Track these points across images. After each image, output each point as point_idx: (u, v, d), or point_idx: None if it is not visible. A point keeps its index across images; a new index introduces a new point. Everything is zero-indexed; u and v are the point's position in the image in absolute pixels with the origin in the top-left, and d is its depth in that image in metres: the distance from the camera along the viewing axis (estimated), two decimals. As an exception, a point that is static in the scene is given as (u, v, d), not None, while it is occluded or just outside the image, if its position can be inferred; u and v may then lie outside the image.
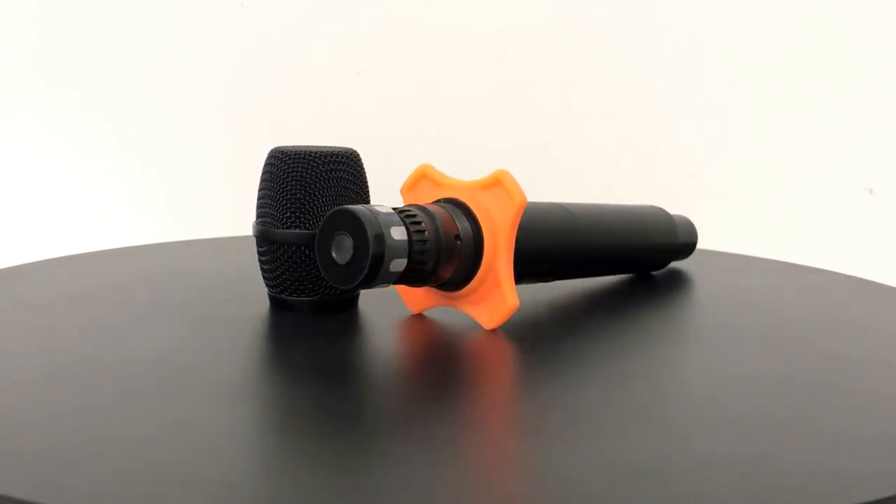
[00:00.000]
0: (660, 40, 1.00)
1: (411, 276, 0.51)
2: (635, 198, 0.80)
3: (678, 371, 0.51)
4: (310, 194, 0.56)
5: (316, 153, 0.56)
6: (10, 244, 1.00)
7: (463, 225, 0.53)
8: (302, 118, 1.01)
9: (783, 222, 1.00)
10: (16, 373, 0.46)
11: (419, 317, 0.58)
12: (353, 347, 0.54)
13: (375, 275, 0.48)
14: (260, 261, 0.58)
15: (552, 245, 0.59)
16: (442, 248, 0.51)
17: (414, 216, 0.51)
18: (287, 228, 0.56)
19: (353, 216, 0.48)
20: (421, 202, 0.54)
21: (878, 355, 0.53)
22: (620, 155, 1.02)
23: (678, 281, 0.71)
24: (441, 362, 0.52)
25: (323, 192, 0.56)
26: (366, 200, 0.59)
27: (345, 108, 1.02)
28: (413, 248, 0.50)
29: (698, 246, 0.74)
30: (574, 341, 0.55)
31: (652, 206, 0.72)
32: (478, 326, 0.54)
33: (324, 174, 0.56)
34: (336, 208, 0.50)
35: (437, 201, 0.54)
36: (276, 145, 0.58)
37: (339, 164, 0.56)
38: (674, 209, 0.73)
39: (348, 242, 0.49)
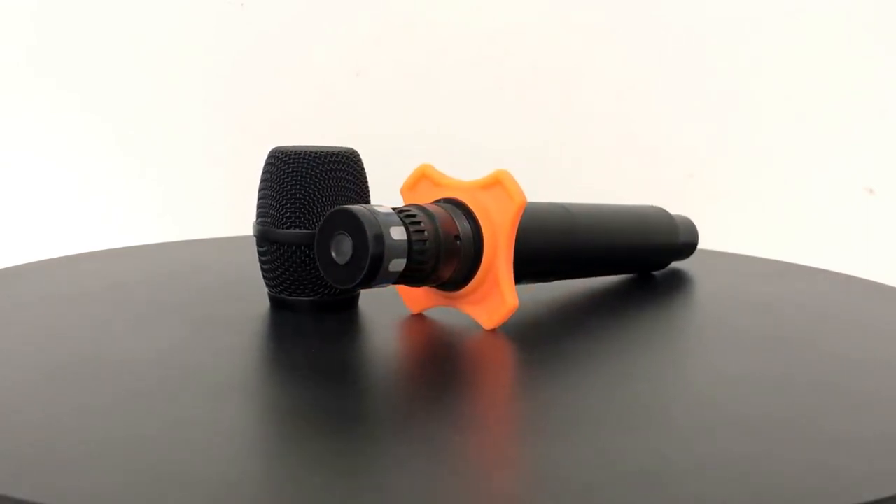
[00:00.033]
0: (660, 40, 1.00)
1: (411, 276, 0.51)
2: (635, 198, 0.80)
3: (678, 371, 0.51)
4: (310, 194, 0.56)
5: (316, 153, 0.56)
6: (10, 244, 1.00)
7: (463, 225, 0.53)
8: (302, 118, 1.01)
9: (783, 222, 1.00)
10: (16, 373, 0.46)
11: (419, 317, 0.58)
12: (353, 347, 0.54)
13: (375, 275, 0.48)
14: (260, 261, 0.58)
15: (552, 245, 0.59)
16: (441, 248, 0.51)
17: (413, 216, 0.51)
18: (287, 228, 0.56)
19: (353, 216, 0.48)
20: (421, 202, 0.54)
21: (878, 355, 0.53)
22: (620, 155, 1.02)
23: (677, 281, 0.71)
24: (441, 362, 0.52)
25: (323, 192, 0.56)
26: (366, 200, 0.59)
27: (345, 108, 1.01)
28: (412, 248, 0.50)
29: (698, 246, 0.74)
30: (574, 341, 0.55)
31: (653, 207, 0.72)
32: (478, 326, 0.54)
33: (324, 174, 0.56)
34: (335, 208, 0.50)
35: (437, 201, 0.54)
36: (276, 145, 0.58)
37: (339, 164, 0.56)
38: (674, 209, 0.73)
39: (348, 242, 0.49)
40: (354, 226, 0.48)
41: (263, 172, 0.58)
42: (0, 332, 0.54)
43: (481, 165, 0.60)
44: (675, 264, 0.75)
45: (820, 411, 0.43)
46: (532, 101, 1.02)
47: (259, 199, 0.58)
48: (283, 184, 0.56)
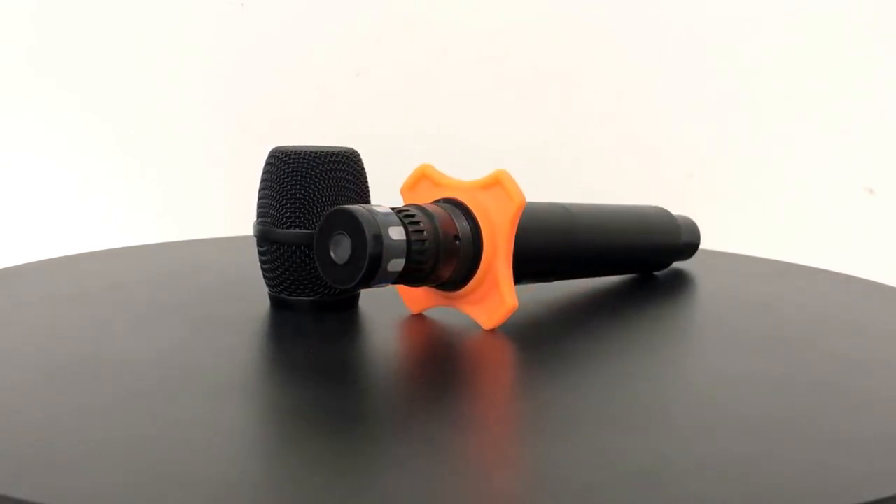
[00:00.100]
0: (660, 40, 1.00)
1: (410, 276, 0.51)
2: (635, 198, 0.80)
3: (678, 371, 0.51)
4: (310, 194, 0.56)
5: (316, 153, 0.56)
6: (10, 244, 1.00)
7: (462, 225, 0.53)
8: (302, 118, 1.01)
9: (783, 222, 1.00)
10: (16, 373, 0.46)
11: (419, 317, 0.58)
12: (353, 347, 0.54)
13: (373, 275, 0.48)
14: (260, 260, 0.58)
15: (552, 245, 0.59)
16: (440, 248, 0.51)
17: (412, 216, 0.51)
18: (287, 228, 0.56)
19: (352, 216, 0.48)
20: (420, 202, 0.54)
21: (878, 355, 0.53)
22: (620, 155, 1.02)
23: (677, 281, 0.71)
24: (441, 362, 0.52)
25: (323, 192, 0.56)
26: (366, 200, 0.59)
27: (345, 108, 1.02)
28: (411, 248, 0.50)
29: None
30: (574, 341, 0.55)
31: (654, 207, 0.72)
32: (477, 326, 0.54)
33: (324, 174, 0.56)
34: (334, 208, 0.50)
35: (437, 201, 0.54)
36: (276, 145, 0.58)
37: (339, 164, 0.56)
38: (674, 209, 0.73)
39: (346, 242, 0.49)
40: (353, 226, 0.48)
41: (263, 172, 0.58)
42: (0, 332, 0.54)
43: (481, 165, 0.60)
44: (674, 264, 0.75)
45: (820, 411, 0.43)
46: (532, 101, 1.02)
47: (259, 199, 0.58)
48: (283, 184, 0.56)
